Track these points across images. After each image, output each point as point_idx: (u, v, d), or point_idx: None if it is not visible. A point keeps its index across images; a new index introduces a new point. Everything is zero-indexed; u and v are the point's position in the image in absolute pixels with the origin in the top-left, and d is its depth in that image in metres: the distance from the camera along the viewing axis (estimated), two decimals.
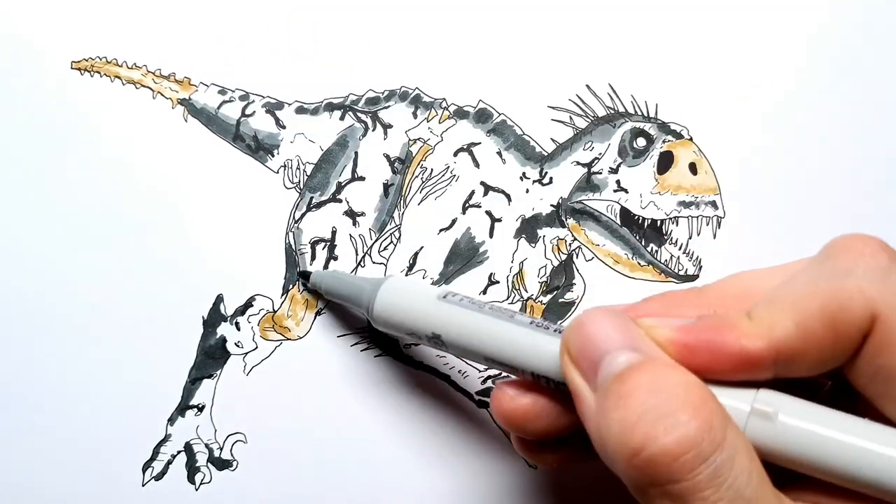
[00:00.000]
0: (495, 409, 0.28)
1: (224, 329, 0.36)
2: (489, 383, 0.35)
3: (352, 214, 0.37)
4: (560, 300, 0.36)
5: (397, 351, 0.36)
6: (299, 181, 0.37)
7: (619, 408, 0.22)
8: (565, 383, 0.25)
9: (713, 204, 0.36)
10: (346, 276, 0.35)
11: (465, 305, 0.28)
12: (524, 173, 0.37)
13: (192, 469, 0.35)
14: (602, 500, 0.35)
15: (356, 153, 0.37)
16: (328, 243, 0.36)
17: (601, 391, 0.23)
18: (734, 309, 0.25)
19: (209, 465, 0.35)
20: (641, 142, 0.36)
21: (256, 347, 0.36)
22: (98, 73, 0.37)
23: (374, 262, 0.36)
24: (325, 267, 0.36)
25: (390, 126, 0.37)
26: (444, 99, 0.37)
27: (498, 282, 0.36)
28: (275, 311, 0.36)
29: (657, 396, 0.21)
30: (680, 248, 0.36)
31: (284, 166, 0.37)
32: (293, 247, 0.36)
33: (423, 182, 0.37)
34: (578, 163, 0.37)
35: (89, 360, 0.36)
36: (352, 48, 0.37)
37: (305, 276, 0.35)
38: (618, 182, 0.36)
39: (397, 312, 0.30)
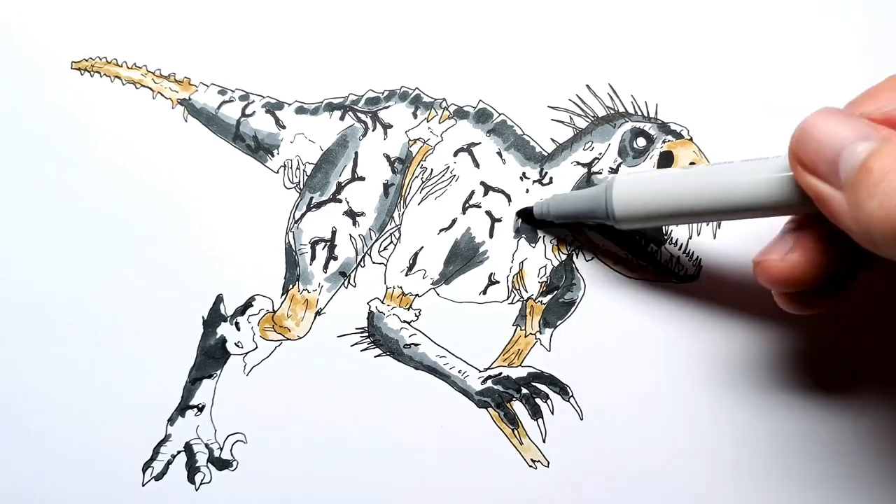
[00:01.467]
0: (769, 278, 0.29)
1: (224, 329, 0.36)
2: (489, 383, 0.35)
3: (352, 214, 0.37)
4: (560, 300, 0.36)
5: (397, 351, 0.36)
6: (299, 181, 0.37)
7: (875, 195, 0.22)
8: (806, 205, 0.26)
9: None
10: (570, 195, 0.34)
11: (691, 178, 0.29)
12: (524, 173, 0.37)
13: (192, 469, 0.35)
14: (602, 499, 0.35)
15: (356, 153, 0.37)
16: (328, 243, 0.36)
17: (848, 185, 0.23)
18: None
19: (209, 465, 0.35)
20: (641, 142, 0.36)
21: (256, 347, 0.36)
22: (98, 73, 0.37)
23: (374, 262, 0.36)
24: (325, 267, 0.36)
25: (390, 126, 0.37)
26: (444, 99, 0.37)
27: (498, 282, 0.36)
28: (275, 311, 0.36)
29: None
30: (680, 248, 0.36)
31: (284, 166, 0.37)
32: (293, 247, 0.36)
33: (423, 182, 0.37)
34: (578, 163, 0.36)
35: (89, 360, 0.36)
36: (352, 48, 0.37)
37: (527, 213, 0.35)
38: None
39: (637, 206, 0.30)
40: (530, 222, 0.36)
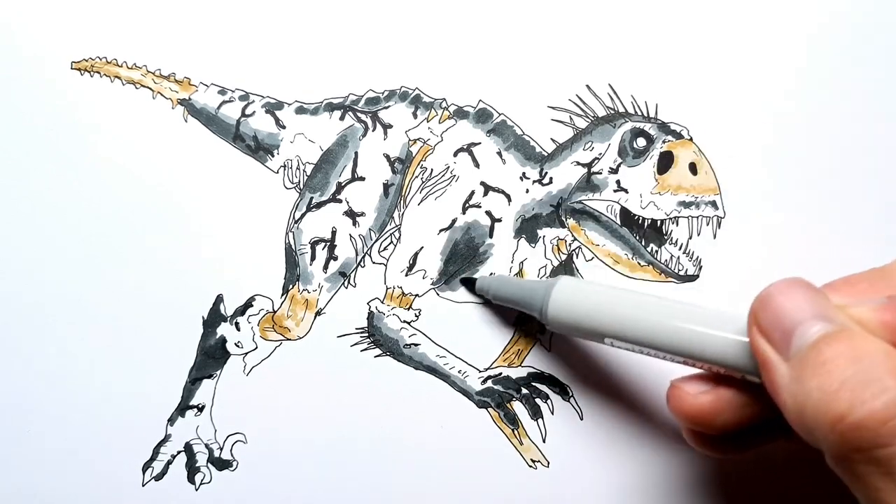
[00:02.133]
0: (675, 408, 0.28)
1: (224, 329, 0.36)
2: (489, 383, 0.35)
3: (352, 214, 0.37)
4: None
5: (397, 351, 0.36)
6: (299, 181, 0.37)
7: (817, 375, 0.22)
8: (750, 372, 0.26)
9: (713, 204, 0.36)
10: (513, 280, 0.35)
11: (640, 304, 0.29)
12: (524, 173, 0.37)
13: (192, 469, 0.35)
14: (602, 500, 0.35)
15: (356, 153, 0.37)
16: (328, 243, 0.36)
17: (796, 361, 0.23)
18: None
19: (209, 465, 0.35)
20: (641, 142, 0.36)
21: (256, 347, 0.36)
22: (98, 73, 0.37)
23: (374, 262, 0.36)
24: (325, 267, 0.36)
25: (390, 126, 0.37)
26: (444, 99, 0.37)
27: None
28: (275, 311, 0.36)
29: (859, 364, 0.22)
30: (680, 248, 0.36)
31: (284, 166, 0.37)
32: (293, 247, 0.36)
33: (423, 182, 0.37)
34: (578, 163, 0.36)
35: (89, 360, 0.36)
36: (352, 48, 0.37)
37: (470, 282, 0.35)
38: (618, 182, 0.36)
39: (572, 315, 0.30)
40: (470, 290, 0.36)
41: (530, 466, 0.35)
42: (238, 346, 0.36)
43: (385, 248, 0.36)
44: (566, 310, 0.30)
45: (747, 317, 0.26)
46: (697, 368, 0.29)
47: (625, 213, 0.36)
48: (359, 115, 0.37)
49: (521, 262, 0.36)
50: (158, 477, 0.35)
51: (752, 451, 0.30)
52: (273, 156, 0.37)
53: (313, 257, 0.36)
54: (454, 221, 0.36)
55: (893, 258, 0.28)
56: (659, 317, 0.28)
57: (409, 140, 0.37)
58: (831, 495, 0.32)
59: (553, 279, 0.32)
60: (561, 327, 0.31)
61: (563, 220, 0.36)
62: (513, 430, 0.35)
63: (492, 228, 0.36)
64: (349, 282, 0.36)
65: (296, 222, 0.36)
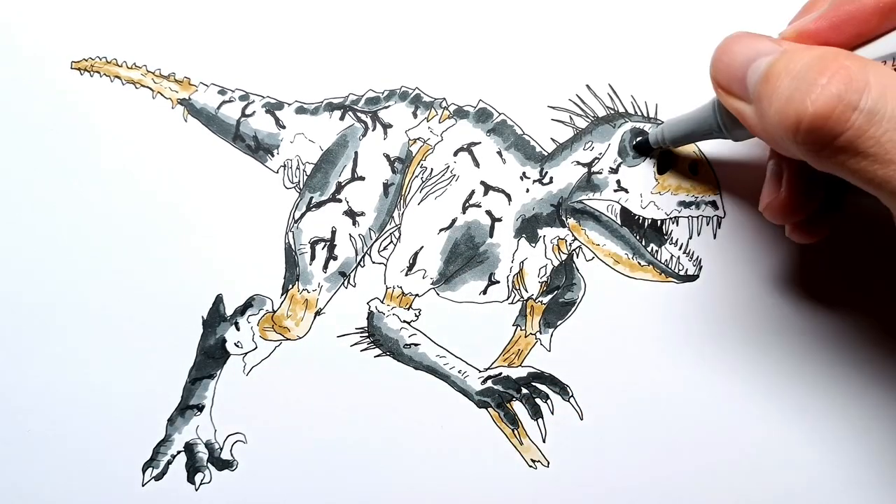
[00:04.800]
0: (773, 213, 0.31)
1: (224, 329, 0.36)
2: (489, 383, 0.35)
3: (352, 214, 0.37)
4: (560, 300, 0.36)
5: (397, 351, 0.36)
6: (299, 181, 0.37)
7: (772, 102, 0.24)
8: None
9: (713, 204, 0.36)
10: (678, 118, 0.34)
11: None
12: (524, 173, 0.37)
13: (192, 469, 0.35)
14: (602, 500, 0.35)
15: (356, 153, 0.37)
16: (328, 243, 0.36)
17: (755, 99, 0.26)
18: None
19: (209, 465, 0.35)
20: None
21: (256, 347, 0.36)
22: (98, 73, 0.37)
23: (374, 262, 0.36)
24: (325, 267, 0.36)
25: (390, 126, 0.37)
26: (444, 99, 0.37)
27: (498, 282, 0.36)
28: (275, 311, 0.36)
29: (794, 75, 0.24)
30: (680, 248, 0.36)
31: (284, 166, 0.37)
32: (293, 247, 0.36)
33: (423, 182, 0.37)
34: (578, 162, 0.36)
35: (89, 360, 0.36)
36: (352, 48, 0.37)
37: (643, 146, 0.35)
38: (618, 182, 0.36)
39: None
40: (644, 153, 0.36)
41: (530, 466, 0.35)
42: (238, 346, 0.36)
43: (385, 248, 0.36)
44: None
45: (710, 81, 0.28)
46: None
47: (625, 212, 0.36)
48: (359, 114, 0.37)
49: (522, 262, 0.36)
50: (158, 477, 0.35)
51: (833, 225, 0.32)
52: (273, 156, 0.37)
53: (313, 257, 0.36)
54: (454, 221, 0.36)
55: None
56: None
57: (409, 140, 0.37)
58: None
59: (708, 102, 0.32)
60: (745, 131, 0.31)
61: (564, 219, 0.36)
62: (513, 430, 0.35)
63: (492, 228, 0.36)
64: (349, 282, 0.36)
65: (296, 222, 0.36)
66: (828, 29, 0.26)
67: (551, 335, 0.36)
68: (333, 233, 0.36)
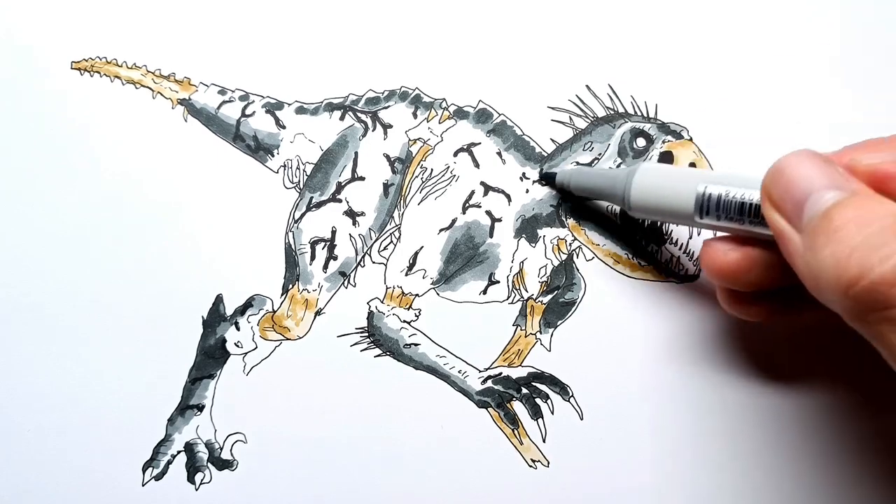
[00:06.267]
0: (707, 264, 0.30)
1: (224, 329, 0.36)
2: (489, 383, 0.35)
3: (352, 214, 0.37)
4: (560, 300, 0.36)
5: (397, 351, 0.36)
6: (299, 181, 0.37)
7: (830, 243, 0.23)
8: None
9: None
10: (593, 170, 0.35)
11: (726, 193, 0.29)
12: (524, 173, 0.37)
13: (192, 469, 0.35)
14: (602, 500, 0.35)
15: (356, 153, 0.37)
16: (328, 243, 0.36)
17: (808, 230, 0.24)
18: None
19: (209, 465, 0.35)
20: (641, 142, 0.36)
21: (256, 347, 0.36)
22: (98, 73, 0.37)
23: (374, 262, 0.36)
24: (325, 267, 0.36)
25: (390, 126, 0.37)
26: (444, 99, 0.37)
27: (498, 282, 0.36)
28: (275, 311, 0.36)
29: (868, 229, 0.23)
30: (680, 248, 0.36)
31: (284, 166, 0.37)
32: (293, 247, 0.36)
33: (423, 182, 0.37)
34: (578, 163, 0.37)
35: (89, 360, 0.36)
36: (352, 48, 0.37)
37: (549, 177, 0.36)
38: None
39: (655, 198, 0.31)
40: (550, 185, 0.36)
41: (530, 466, 0.35)
42: (238, 346, 0.36)
43: (385, 248, 0.36)
44: (650, 191, 0.31)
45: (760, 191, 0.27)
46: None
47: (625, 213, 0.36)
48: (359, 115, 0.37)
49: (522, 262, 0.36)
50: (158, 477, 0.35)
51: (777, 317, 0.30)
52: (273, 156, 0.37)
53: (313, 257, 0.36)
54: (454, 221, 0.36)
55: None
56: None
57: (409, 140, 0.37)
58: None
59: (635, 166, 0.32)
60: (644, 210, 0.31)
61: (563, 219, 0.36)
62: (513, 430, 0.35)
63: (492, 228, 0.36)
64: (349, 281, 0.36)
65: (296, 222, 0.36)
66: (893, 177, 0.25)
67: (551, 335, 0.36)
68: (333, 233, 0.36)
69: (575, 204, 0.36)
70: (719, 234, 0.30)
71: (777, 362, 0.35)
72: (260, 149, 0.37)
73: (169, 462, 0.35)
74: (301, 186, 0.37)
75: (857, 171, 0.26)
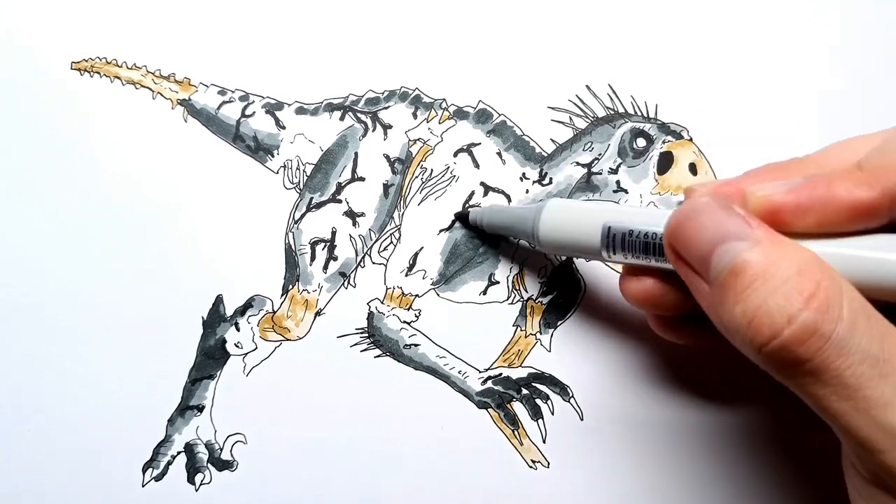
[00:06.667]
0: (624, 290, 0.30)
1: (224, 329, 0.36)
2: (489, 384, 0.35)
3: (352, 214, 0.37)
4: (560, 300, 0.36)
5: (397, 351, 0.36)
6: (299, 181, 0.37)
7: (739, 302, 0.23)
8: None
9: None
10: (504, 208, 0.35)
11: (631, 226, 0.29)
12: (524, 174, 0.37)
13: (192, 469, 0.35)
14: (602, 500, 0.35)
15: (356, 153, 0.37)
16: (328, 243, 0.36)
17: (717, 284, 0.24)
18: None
19: (209, 465, 0.35)
20: (641, 142, 0.36)
21: (256, 348, 0.36)
22: (98, 73, 0.37)
23: (373, 262, 0.36)
24: (325, 267, 0.36)
25: (390, 126, 0.37)
26: (444, 99, 0.37)
27: (498, 282, 0.36)
28: (275, 312, 0.36)
29: (773, 285, 0.22)
30: None
31: (284, 166, 0.37)
32: (293, 247, 0.36)
33: (423, 182, 0.37)
34: (578, 163, 0.37)
35: (89, 360, 0.36)
36: (352, 48, 0.37)
37: (463, 217, 0.36)
38: (618, 182, 0.36)
39: (562, 234, 0.30)
40: (465, 225, 0.36)
41: (530, 466, 0.35)
42: (238, 347, 0.36)
43: (385, 248, 0.36)
44: (557, 228, 0.30)
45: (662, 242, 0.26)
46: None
47: None
48: (359, 115, 0.37)
49: (522, 263, 0.36)
50: (158, 477, 0.35)
51: (707, 343, 0.30)
52: (273, 156, 0.37)
53: (313, 257, 0.36)
54: (454, 222, 0.36)
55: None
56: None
57: (409, 140, 0.37)
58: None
59: (543, 202, 0.32)
60: (553, 247, 0.31)
61: None
62: (513, 431, 0.35)
63: None
64: (349, 282, 0.36)
65: (296, 222, 0.36)
66: (794, 208, 0.24)
67: (551, 335, 0.36)
68: (333, 233, 0.36)
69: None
70: None
71: None
72: (260, 149, 0.37)
73: (169, 463, 0.35)
74: (301, 187, 0.37)
75: (750, 202, 0.25)
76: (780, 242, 0.24)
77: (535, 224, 0.31)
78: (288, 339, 0.36)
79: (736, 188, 0.26)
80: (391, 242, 0.36)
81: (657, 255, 0.28)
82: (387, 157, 0.37)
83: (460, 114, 0.37)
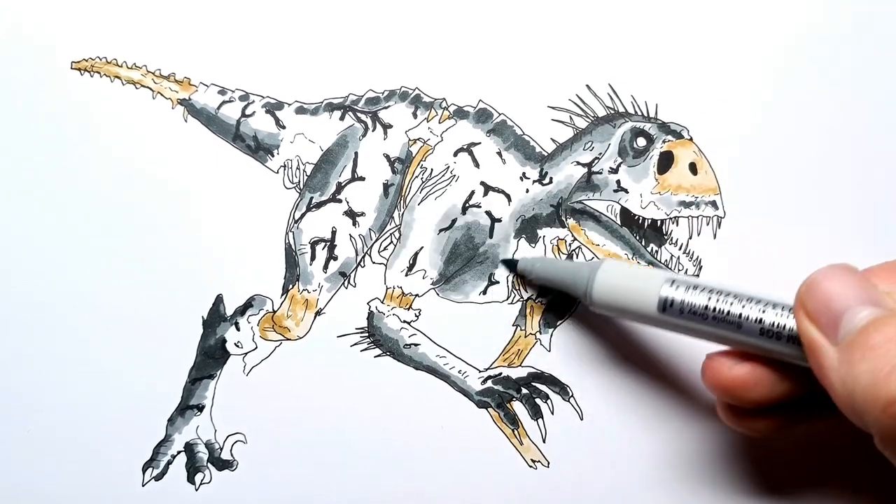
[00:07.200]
0: (711, 379, 0.29)
1: (224, 329, 0.36)
2: (489, 383, 0.35)
3: (352, 214, 0.37)
4: (560, 300, 0.36)
5: (397, 351, 0.36)
6: (299, 181, 0.37)
7: (867, 359, 0.23)
8: (795, 357, 0.26)
9: (713, 204, 0.36)
10: (557, 262, 0.35)
11: (690, 296, 0.29)
12: (524, 173, 0.37)
13: (192, 469, 0.35)
14: (602, 500, 0.35)
15: (356, 153, 0.37)
16: (328, 243, 0.36)
17: (845, 345, 0.24)
18: None
19: (209, 465, 0.35)
20: (641, 142, 0.36)
21: (256, 347, 0.36)
22: (98, 73, 0.37)
23: (374, 262, 0.36)
24: (325, 267, 0.36)
25: (390, 126, 0.37)
26: (444, 99, 0.37)
27: (498, 282, 0.36)
28: (275, 311, 0.36)
29: None
30: (680, 248, 0.36)
31: (284, 166, 0.37)
32: (293, 247, 0.36)
33: (423, 182, 0.37)
34: (578, 163, 0.36)
35: (89, 360, 0.36)
36: (352, 48, 0.37)
37: (511, 264, 0.35)
38: (618, 182, 0.36)
39: (617, 300, 0.31)
40: (512, 270, 0.36)
41: (530, 466, 0.35)
42: (238, 346, 0.36)
43: (385, 248, 0.36)
44: (611, 291, 0.31)
45: (794, 303, 0.26)
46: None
47: (625, 212, 0.36)
48: (359, 115, 0.37)
49: None
50: (158, 477, 0.35)
51: (781, 430, 0.30)
52: (273, 156, 0.37)
53: (313, 257, 0.36)
54: (454, 221, 0.36)
55: None
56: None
57: (409, 140, 0.37)
58: (862, 476, 0.33)
59: (597, 261, 0.32)
60: (606, 308, 0.31)
61: (563, 219, 0.36)
62: (513, 431, 0.35)
63: (492, 228, 0.36)
64: (349, 282, 0.36)
65: (296, 222, 0.36)
66: None
67: (551, 335, 0.36)
68: (334, 233, 0.36)
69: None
70: (722, 347, 0.30)
71: None
72: (260, 149, 0.37)
73: (169, 462, 0.35)
74: (301, 186, 0.37)
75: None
76: None
77: (590, 284, 0.31)
78: (288, 339, 0.36)
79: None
80: (391, 242, 0.36)
81: (718, 313, 0.28)
82: (387, 156, 0.37)
83: (460, 113, 0.37)
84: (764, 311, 0.28)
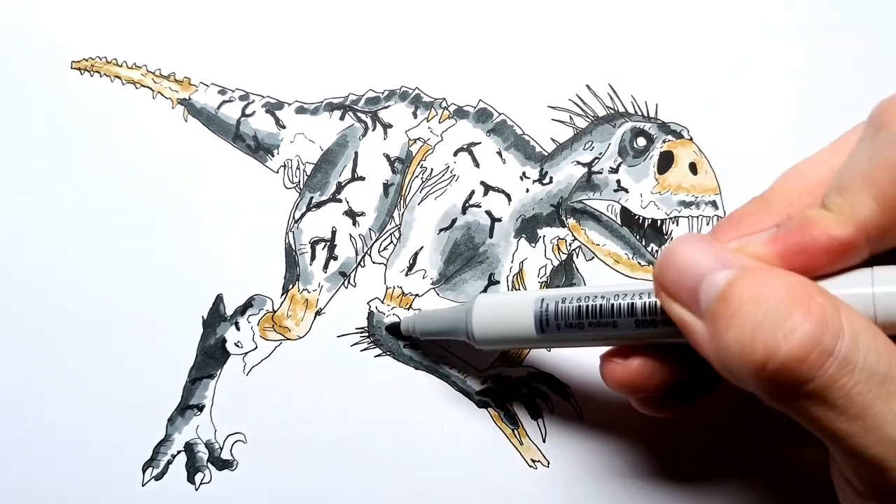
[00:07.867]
0: (610, 381, 0.29)
1: (224, 329, 0.36)
2: (489, 383, 0.35)
3: (352, 214, 0.37)
4: None
5: (397, 351, 0.36)
6: (299, 181, 0.37)
7: (731, 327, 0.22)
8: (670, 333, 0.26)
9: (713, 204, 0.36)
10: (435, 313, 0.34)
11: (561, 309, 0.28)
12: (524, 173, 0.37)
13: (192, 469, 0.35)
14: (602, 500, 0.35)
15: (356, 153, 0.37)
16: (328, 243, 0.36)
17: (708, 316, 0.23)
18: (804, 205, 0.25)
19: (209, 465, 0.35)
20: (641, 141, 0.36)
21: (256, 347, 0.36)
22: (98, 73, 0.37)
23: (374, 262, 0.36)
24: (325, 267, 0.36)
25: (390, 126, 0.37)
26: (444, 99, 0.37)
27: (498, 282, 0.36)
28: (275, 311, 0.36)
29: (764, 306, 0.22)
30: None
31: (284, 166, 0.37)
32: (293, 247, 0.36)
33: (423, 182, 0.37)
34: (579, 162, 0.37)
35: (89, 360, 0.36)
36: (352, 48, 0.37)
37: (394, 329, 0.35)
38: (618, 182, 0.36)
39: (497, 332, 0.30)
40: (397, 336, 0.35)
41: (530, 466, 0.35)
42: (238, 346, 0.36)
43: (385, 248, 0.36)
44: (490, 325, 0.30)
45: (652, 284, 0.26)
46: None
47: (625, 212, 0.36)
48: (359, 114, 0.37)
49: (522, 262, 0.36)
50: (158, 477, 0.35)
51: (707, 406, 0.30)
52: (273, 156, 0.37)
53: (313, 257, 0.36)
54: (454, 221, 0.36)
55: (772, 183, 0.28)
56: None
57: (409, 140, 0.37)
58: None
59: (472, 299, 0.31)
60: (490, 343, 0.31)
61: (564, 219, 0.36)
62: (513, 430, 0.35)
63: (492, 228, 0.36)
64: (349, 282, 0.36)
65: (296, 222, 0.36)
66: (775, 260, 0.24)
67: None
68: (334, 233, 0.36)
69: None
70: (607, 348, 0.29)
71: None
72: (260, 149, 0.37)
73: (169, 462, 0.35)
74: (301, 186, 0.37)
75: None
76: (767, 267, 0.23)
77: (469, 324, 0.30)
78: (288, 339, 0.36)
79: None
80: (391, 242, 0.36)
81: (592, 318, 0.28)
82: (387, 156, 0.37)
83: (460, 113, 0.37)
84: (633, 304, 0.27)
